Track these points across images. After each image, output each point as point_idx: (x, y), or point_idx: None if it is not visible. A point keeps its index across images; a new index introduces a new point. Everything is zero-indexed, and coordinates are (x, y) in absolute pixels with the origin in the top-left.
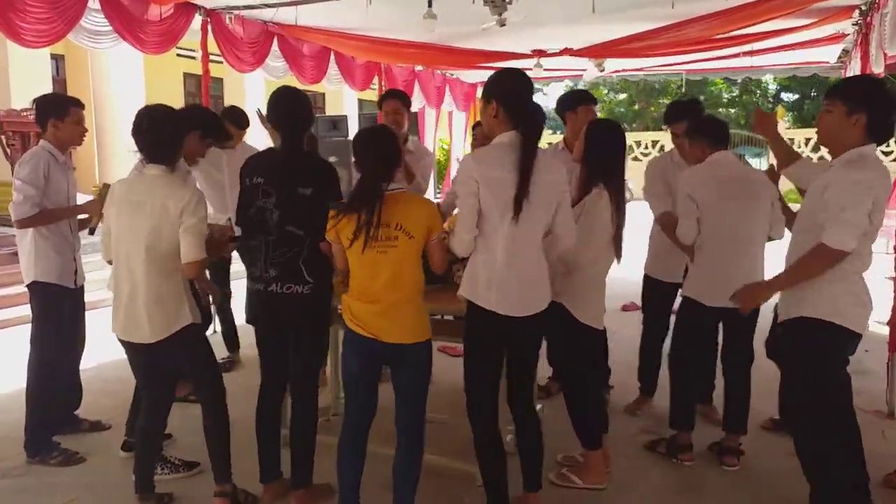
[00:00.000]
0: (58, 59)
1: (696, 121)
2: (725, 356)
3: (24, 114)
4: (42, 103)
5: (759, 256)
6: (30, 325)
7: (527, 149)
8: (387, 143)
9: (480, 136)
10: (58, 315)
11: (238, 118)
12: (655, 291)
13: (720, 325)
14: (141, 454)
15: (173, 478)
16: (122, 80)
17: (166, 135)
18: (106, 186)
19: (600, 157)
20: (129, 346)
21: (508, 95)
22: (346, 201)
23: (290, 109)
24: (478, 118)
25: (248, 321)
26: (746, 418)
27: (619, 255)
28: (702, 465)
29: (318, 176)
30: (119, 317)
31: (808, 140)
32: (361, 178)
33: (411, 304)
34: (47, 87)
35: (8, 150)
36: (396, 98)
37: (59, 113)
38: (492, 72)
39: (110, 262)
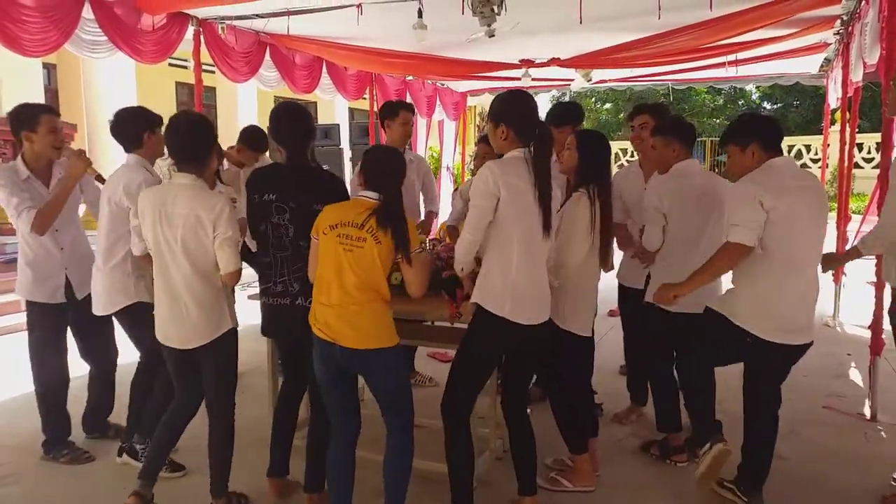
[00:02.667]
0: (49, 69)
1: (670, 119)
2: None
3: None
4: (13, 117)
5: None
6: (21, 334)
7: (541, 167)
8: (402, 166)
9: (482, 155)
10: (39, 329)
11: (257, 141)
12: (628, 299)
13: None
14: (158, 446)
15: (172, 476)
16: (114, 90)
17: (199, 140)
18: (68, 149)
19: (590, 165)
20: (170, 351)
21: (517, 119)
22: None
23: (295, 124)
24: (468, 130)
25: (263, 333)
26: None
27: (605, 263)
28: (685, 465)
29: (329, 190)
30: (167, 324)
31: (790, 147)
32: (385, 199)
33: (371, 308)
34: (39, 96)
35: None
36: (412, 111)
37: (31, 124)
38: (481, 82)
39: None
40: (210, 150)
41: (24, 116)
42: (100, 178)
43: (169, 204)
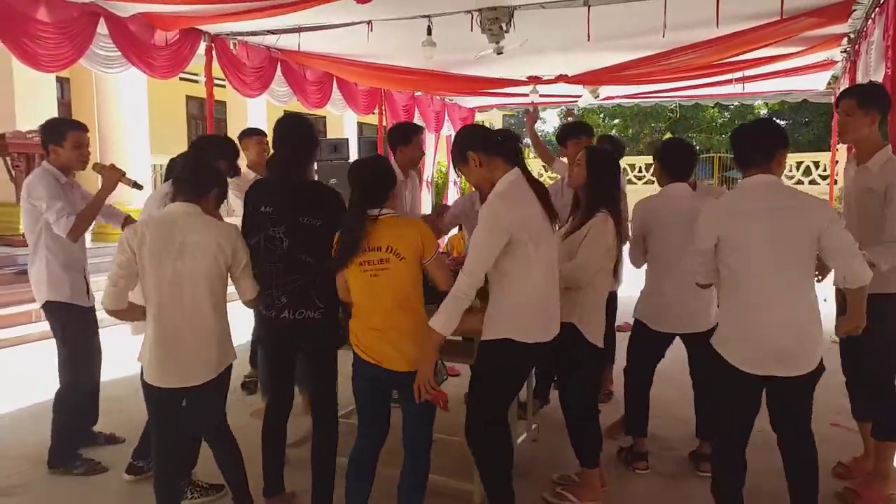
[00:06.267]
0: (63, 82)
1: (661, 153)
2: (692, 370)
3: (30, 136)
4: (43, 129)
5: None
6: (31, 345)
7: (527, 175)
8: (372, 171)
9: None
10: (77, 333)
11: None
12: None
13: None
14: (166, 496)
15: (201, 502)
16: (127, 103)
17: (209, 171)
18: (98, 165)
19: (602, 183)
20: (171, 393)
21: (482, 142)
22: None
23: (294, 137)
24: None
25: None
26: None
27: (617, 277)
28: (686, 476)
29: (327, 205)
30: (169, 364)
31: (799, 164)
32: (349, 203)
33: (413, 329)
34: (52, 110)
35: (13, 172)
36: (422, 132)
37: (57, 138)
38: (490, 98)
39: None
40: (214, 186)
41: (53, 130)
42: (137, 185)
43: (180, 233)
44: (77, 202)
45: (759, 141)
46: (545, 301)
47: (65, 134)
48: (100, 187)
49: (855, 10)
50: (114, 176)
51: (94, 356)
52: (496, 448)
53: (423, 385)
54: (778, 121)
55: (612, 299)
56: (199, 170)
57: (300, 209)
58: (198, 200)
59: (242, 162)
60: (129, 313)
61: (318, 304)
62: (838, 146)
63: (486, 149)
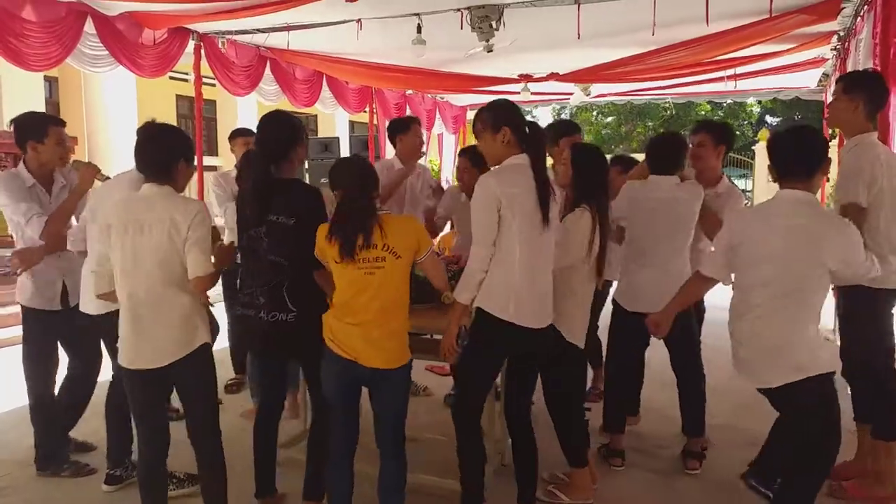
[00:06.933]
0: (51, 82)
1: (647, 148)
2: (673, 364)
3: None
4: (20, 125)
5: (674, 271)
6: (13, 348)
7: (538, 167)
8: (360, 168)
9: (463, 168)
10: (37, 337)
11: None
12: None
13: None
14: (150, 493)
15: (179, 493)
16: (115, 102)
17: (166, 151)
18: (78, 162)
19: (587, 180)
20: (138, 376)
21: (519, 123)
22: (331, 224)
23: (269, 135)
24: (467, 143)
25: (231, 346)
26: (703, 422)
27: (601, 275)
28: (677, 474)
29: (302, 204)
30: (133, 345)
31: None
32: (339, 201)
33: (395, 329)
34: (40, 109)
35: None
36: (420, 124)
37: (38, 134)
38: (481, 96)
39: (101, 296)
40: (175, 159)
41: (33, 126)
42: None
43: (141, 212)
44: (51, 204)
45: (802, 156)
46: (523, 285)
47: (46, 129)
48: (80, 181)
49: (844, 8)
50: (89, 174)
51: (46, 363)
52: (465, 428)
53: (446, 348)
54: (769, 118)
55: (597, 298)
56: (148, 149)
57: (272, 208)
58: (167, 181)
59: (231, 162)
60: (114, 296)
61: (290, 307)
62: (831, 143)
63: (517, 131)
